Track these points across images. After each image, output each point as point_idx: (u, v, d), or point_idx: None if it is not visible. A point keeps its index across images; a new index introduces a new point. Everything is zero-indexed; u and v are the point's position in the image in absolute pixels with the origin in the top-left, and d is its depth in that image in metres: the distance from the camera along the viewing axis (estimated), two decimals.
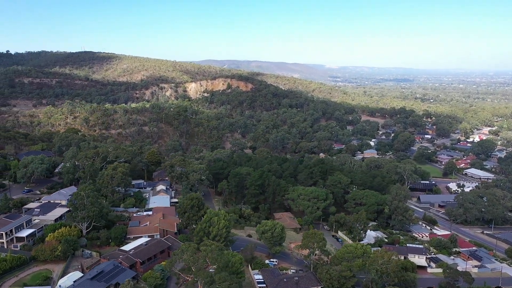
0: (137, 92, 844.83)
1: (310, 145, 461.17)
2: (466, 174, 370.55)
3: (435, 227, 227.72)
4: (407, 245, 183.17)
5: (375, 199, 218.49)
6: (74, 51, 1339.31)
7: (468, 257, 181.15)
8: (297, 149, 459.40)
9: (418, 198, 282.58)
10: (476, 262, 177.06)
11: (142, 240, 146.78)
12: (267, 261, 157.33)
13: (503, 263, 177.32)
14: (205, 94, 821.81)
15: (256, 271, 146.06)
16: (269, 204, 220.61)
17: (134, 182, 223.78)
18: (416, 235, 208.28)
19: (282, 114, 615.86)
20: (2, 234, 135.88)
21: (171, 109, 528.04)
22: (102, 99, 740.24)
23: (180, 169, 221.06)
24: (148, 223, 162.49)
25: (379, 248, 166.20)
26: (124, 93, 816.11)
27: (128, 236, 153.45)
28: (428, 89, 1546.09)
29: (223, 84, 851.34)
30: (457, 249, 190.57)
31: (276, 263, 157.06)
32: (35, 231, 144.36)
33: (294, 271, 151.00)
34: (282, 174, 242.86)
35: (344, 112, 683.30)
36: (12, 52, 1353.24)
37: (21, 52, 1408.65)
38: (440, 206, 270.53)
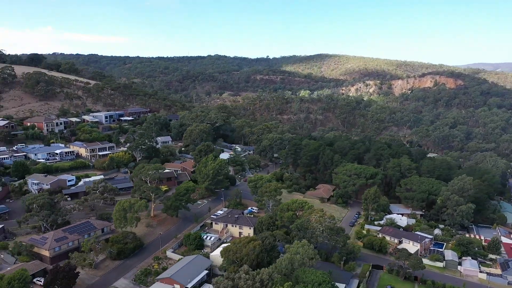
0: (343, 88, 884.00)
1: (484, 146, 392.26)
2: None
3: None
4: (417, 232, 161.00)
5: (427, 187, 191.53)
6: (313, 54, 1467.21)
7: (497, 264, 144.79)
8: (464, 149, 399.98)
9: None
10: (497, 271, 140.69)
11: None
12: (249, 208, 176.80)
13: None
14: (409, 92, 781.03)
15: (226, 209, 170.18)
16: (318, 174, 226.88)
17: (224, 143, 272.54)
18: (468, 235, 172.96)
19: (479, 114, 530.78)
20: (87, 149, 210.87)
21: (342, 101, 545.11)
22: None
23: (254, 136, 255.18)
24: (181, 162, 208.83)
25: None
26: (330, 89, 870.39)
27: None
28: None
29: (430, 81, 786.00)
30: (495, 256, 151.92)
31: (254, 210, 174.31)
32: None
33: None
34: (348, 152, 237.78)
35: None
36: (271, 57, 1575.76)
37: (277, 57, 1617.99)
38: None
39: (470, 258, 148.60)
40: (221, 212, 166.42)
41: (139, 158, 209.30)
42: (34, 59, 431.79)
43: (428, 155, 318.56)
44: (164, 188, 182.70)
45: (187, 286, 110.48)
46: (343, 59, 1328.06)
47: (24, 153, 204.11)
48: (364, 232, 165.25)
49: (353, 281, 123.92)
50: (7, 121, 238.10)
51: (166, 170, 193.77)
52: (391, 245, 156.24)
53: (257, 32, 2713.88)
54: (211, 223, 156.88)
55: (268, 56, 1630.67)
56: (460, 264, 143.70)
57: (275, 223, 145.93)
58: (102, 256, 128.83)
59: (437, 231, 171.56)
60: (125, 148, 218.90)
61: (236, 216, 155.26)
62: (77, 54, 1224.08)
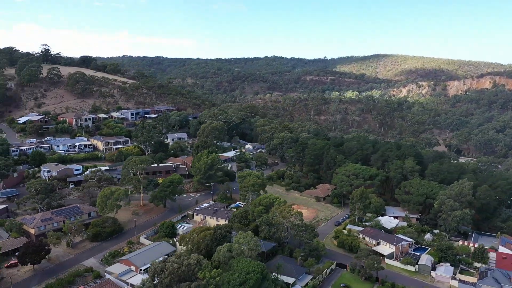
0: (394, 89, 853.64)
1: None
2: None
3: None
4: (399, 235, 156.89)
5: (425, 190, 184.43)
6: (370, 54, 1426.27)
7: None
8: (509, 154, 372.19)
9: None
10: (474, 279, 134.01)
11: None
12: (237, 203, 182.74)
13: None
14: (465, 93, 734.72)
15: (212, 202, 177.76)
16: (321, 174, 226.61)
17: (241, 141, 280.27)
18: (462, 242, 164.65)
19: None
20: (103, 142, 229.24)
21: (382, 102, 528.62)
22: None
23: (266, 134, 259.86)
24: (185, 157, 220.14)
25: None
26: (380, 90, 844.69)
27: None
28: None
29: (489, 82, 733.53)
30: (480, 265, 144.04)
31: (241, 205, 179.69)
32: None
33: None
34: (356, 152, 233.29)
35: None
36: (328, 57, 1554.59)
37: (335, 58, 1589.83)
38: None
39: (448, 264, 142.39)
40: (206, 205, 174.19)
41: (148, 152, 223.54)
42: (85, 61, 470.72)
43: (459, 159, 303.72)
44: (160, 180, 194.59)
45: (141, 268, 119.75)
46: (401, 59, 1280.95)
47: (49, 145, 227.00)
48: (345, 232, 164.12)
49: (306, 276, 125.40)
50: (42, 116, 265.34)
51: (167, 164, 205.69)
52: (369, 246, 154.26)
53: (316, 33, 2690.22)
54: (192, 214, 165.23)
55: (325, 56, 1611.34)
56: (434, 269, 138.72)
57: (248, 217, 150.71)
58: (81, 237, 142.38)
59: (428, 236, 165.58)
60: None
61: (215, 209, 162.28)
62: (144, 57, 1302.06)
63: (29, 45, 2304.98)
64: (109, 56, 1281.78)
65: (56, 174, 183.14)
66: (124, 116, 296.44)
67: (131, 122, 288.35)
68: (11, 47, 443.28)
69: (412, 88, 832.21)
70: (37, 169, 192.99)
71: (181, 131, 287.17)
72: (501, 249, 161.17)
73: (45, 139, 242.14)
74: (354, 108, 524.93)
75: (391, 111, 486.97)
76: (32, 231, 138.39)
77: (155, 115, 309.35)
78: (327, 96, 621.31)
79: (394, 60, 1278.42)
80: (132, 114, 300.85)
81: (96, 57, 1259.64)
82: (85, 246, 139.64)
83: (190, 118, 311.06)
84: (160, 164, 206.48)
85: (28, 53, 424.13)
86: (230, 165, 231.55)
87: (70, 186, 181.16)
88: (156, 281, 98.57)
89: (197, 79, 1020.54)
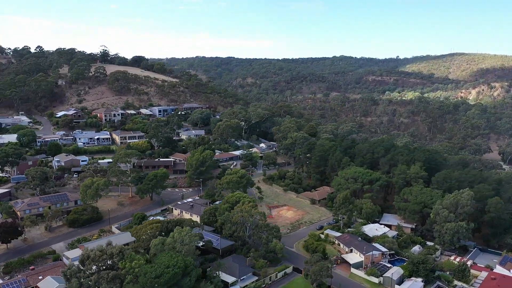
0: (463, 91, 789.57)
1: None
2: None
3: None
4: (375, 244, 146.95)
5: (424, 198, 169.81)
6: (445, 53, 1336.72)
7: None
8: None
9: None
10: None
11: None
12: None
13: None
14: None
15: (197, 198, 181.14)
16: (326, 175, 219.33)
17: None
18: (453, 258, 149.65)
19: None
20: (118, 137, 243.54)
21: (435, 103, 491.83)
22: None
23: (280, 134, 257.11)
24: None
25: None
26: (446, 92, 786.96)
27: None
28: None
29: None
30: (461, 284, 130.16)
31: None
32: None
33: None
34: (365, 155, 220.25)
35: None
36: (401, 57, 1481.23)
37: (408, 57, 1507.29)
38: None
39: (420, 280, 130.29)
40: (190, 200, 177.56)
41: (157, 147, 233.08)
42: (138, 60, 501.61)
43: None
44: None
45: None
46: (478, 58, 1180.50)
47: (72, 137, 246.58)
48: (322, 236, 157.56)
49: (251, 277, 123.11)
50: (75, 111, 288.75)
51: (167, 159, 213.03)
52: (342, 253, 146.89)
53: (391, 32, 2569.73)
54: (172, 208, 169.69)
55: (397, 56, 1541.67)
56: (401, 283, 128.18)
57: (216, 214, 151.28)
58: (62, 222, 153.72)
59: (416, 248, 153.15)
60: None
61: (191, 204, 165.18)
62: (215, 57, 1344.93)
63: (120, 47, 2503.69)
64: (183, 57, 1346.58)
65: (63, 164, 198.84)
66: (151, 113, 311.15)
67: (157, 119, 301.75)
68: (73, 48, 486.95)
69: (483, 90, 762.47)
70: (51, 158, 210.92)
71: (206, 128, 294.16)
72: (498, 268, 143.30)
73: (74, 132, 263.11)
74: (403, 109, 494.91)
75: (443, 114, 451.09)
76: (18, 213, 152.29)
77: (183, 112, 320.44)
78: (376, 97, 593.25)
79: (470, 59, 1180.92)
80: (159, 111, 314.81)
81: (171, 57, 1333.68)
82: (62, 231, 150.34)
83: (217, 116, 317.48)
84: (161, 159, 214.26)
85: (80, 52, 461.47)
86: (235, 163, 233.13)
87: (74, 175, 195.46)
88: (94, 268, 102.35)
89: (257, 78, 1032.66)
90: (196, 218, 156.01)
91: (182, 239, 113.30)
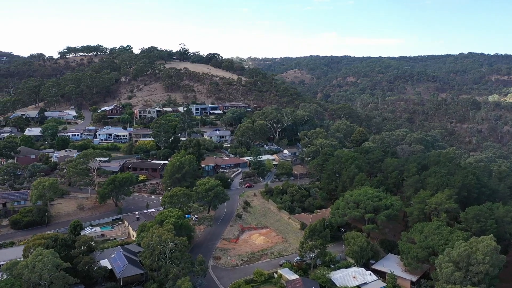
0: None
1: None
2: None
3: None
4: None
5: (435, 241, 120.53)
6: None
7: None
8: None
9: None
10: None
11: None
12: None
13: None
14: None
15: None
16: (334, 194, 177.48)
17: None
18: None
19: None
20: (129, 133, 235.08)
21: None
22: None
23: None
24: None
25: None
26: None
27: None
28: None
29: None
30: None
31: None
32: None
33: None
34: (391, 173, 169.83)
35: None
36: (491, 53, 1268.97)
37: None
38: None
39: None
40: (152, 210, 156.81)
41: (163, 147, 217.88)
42: (211, 58, 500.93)
43: None
44: (141, 177, 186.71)
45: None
46: None
47: (93, 133, 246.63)
48: (276, 276, 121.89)
49: None
50: (113, 106, 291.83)
51: (160, 162, 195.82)
52: None
53: None
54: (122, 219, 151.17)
55: (493, 53, 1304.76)
56: None
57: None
58: (7, 222, 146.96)
59: None
60: None
61: (137, 217, 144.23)
62: (330, 56, 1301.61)
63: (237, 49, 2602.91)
64: (296, 56, 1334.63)
65: (56, 160, 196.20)
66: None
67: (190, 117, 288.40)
68: (153, 46, 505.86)
69: None
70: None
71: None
72: None
73: (105, 127, 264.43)
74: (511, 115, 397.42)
75: None
76: None
77: (221, 111, 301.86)
78: (479, 98, 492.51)
79: None
80: (197, 109, 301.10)
81: (285, 57, 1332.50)
82: (1, 232, 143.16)
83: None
84: (152, 161, 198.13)
85: (158, 50, 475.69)
86: (239, 171, 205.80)
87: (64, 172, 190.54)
88: None
89: (358, 77, 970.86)
90: (133, 232, 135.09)
91: (34, 264, 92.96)
